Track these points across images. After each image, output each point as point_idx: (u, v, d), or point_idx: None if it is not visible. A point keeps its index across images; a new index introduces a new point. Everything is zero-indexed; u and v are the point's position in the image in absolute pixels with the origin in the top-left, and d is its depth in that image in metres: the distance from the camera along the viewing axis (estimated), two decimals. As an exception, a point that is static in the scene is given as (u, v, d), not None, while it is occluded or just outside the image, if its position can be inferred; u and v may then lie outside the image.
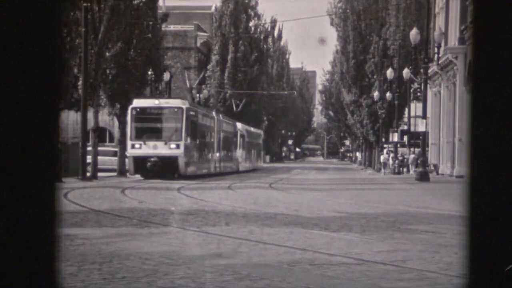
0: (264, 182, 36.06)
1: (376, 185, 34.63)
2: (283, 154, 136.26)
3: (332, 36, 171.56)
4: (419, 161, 41.98)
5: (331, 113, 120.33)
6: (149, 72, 42.60)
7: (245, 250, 9.45)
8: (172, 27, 69.27)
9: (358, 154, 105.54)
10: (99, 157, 38.28)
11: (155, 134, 37.92)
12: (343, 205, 18.63)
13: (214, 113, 49.40)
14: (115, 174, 40.86)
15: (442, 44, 42.95)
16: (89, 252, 9.07)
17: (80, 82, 35.38)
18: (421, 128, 40.33)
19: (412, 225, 13.21)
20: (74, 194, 21.64)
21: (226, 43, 76.28)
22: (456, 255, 8.75)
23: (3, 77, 2.60)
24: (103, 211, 15.59)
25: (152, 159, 37.01)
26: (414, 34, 42.25)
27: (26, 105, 2.61)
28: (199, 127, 41.10)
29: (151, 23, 41.41)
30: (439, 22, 49.26)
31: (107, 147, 50.69)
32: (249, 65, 76.80)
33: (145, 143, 37.45)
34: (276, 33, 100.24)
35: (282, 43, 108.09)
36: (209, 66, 76.97)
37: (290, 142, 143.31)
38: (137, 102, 38.39)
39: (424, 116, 39.82)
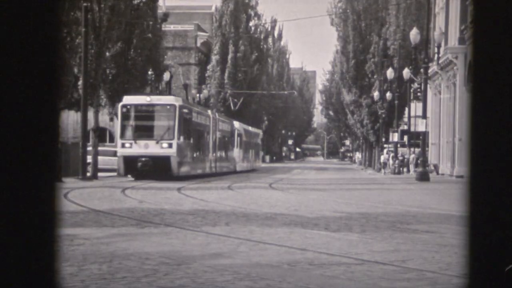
0: (264, 182, 36.05)
1: (376, 185, 34.63)
2: (283, 154, 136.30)
3: (332, 36, 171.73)
4: (419, 161, 41.98)
5: (331, 113, 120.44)
6: (149, 72, 42.60)
7: (245, 250, 9.45)
8: (172, 27, 69.34)
9: (358, 154, 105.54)
10: (99, 157, 38.28)
11: (146, 132, 36.16)
12: (343, 205, 18.63)
13: (209, 111, 47.79)
14: (115, 174, 40.85)
15: (442, 44, 42.96)
16: (89, 252, 9.07)
17: (80, 82, 35.41)
18: (421, 128, 40.34)
19: (412, 225, 13.22)
20: (74, 194, 21.66)
21: (226, 43, 76.33)
22: (456, 255, 8.76)
23: (3, 77, 2.60)
24: (103, 211, 15.60)
25: (143, 159, 35.45)
26: (414, 34, 42.26)
27: (26, 105, 2.61)
28: (193, 125, 39.61)
29: (151, 23, 41.43)
30: (439, 22, 49.28)
31: (107, 147, 50.70)
32: (249, 65, 76.84)
33: (135, 142, 35.80)
34: (276, 33, 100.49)
35: (282, 43, 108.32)
36: (209, 66, 77.04)
37: (290, 142, 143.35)
38: (127, 99, 36.68)
39: (424, 116, 39.82)
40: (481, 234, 2.75)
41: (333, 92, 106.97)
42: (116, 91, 39.38)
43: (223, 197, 22.06)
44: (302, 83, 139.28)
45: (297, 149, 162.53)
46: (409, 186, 32.79)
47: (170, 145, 35.77)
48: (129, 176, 36.61)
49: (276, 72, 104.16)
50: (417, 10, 60.31)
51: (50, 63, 2.64)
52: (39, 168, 2.63)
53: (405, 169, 52.66)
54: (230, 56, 75.90)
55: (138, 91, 40.82)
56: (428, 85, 45.51)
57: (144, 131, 36.15)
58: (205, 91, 68.89)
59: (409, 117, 53.55)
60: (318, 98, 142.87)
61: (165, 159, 35.49)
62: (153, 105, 36.31)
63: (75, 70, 35.68)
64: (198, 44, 78.89)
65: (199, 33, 79.81)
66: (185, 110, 37.56)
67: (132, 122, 36.22)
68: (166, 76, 48.75)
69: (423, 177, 37.16)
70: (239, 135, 56.60)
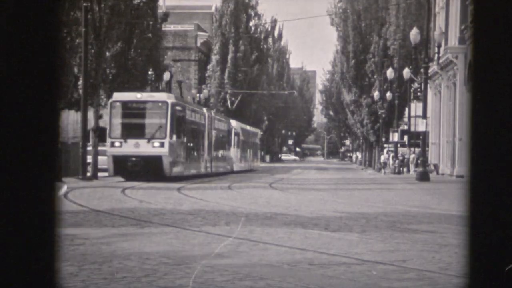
0: (264, 182, 36.04)
1: (376, 185, 34.62)
2: (280, 156, 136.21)
3: (332, 36, 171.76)
4: (419, 161, 41.98)
5: (331, 113, 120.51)
6: (149, 72, 42.58)
7: (245, 250, 9.45)
8: (172, 27, 69.33)
9: (358, 154, 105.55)
10: (99, 157, 38.21)
11: (137, 131, 34.29)
12: (343, 205, 18.63)
13: (204, 109, 45.72)
14: (115, 174, 40.78)
15: (442, 44, 42.95)
16: (89, 252, 9.07)
17: (80, 82, 35.38)
18: (421, 128, 40.33)
19: (412, 225, 13.21)
20: (74, 194, 21.65)
21: (226, 43, 76.35)
22: (456, 255, 8.76)
23: (3, 77, 2.60)
24: (104, 211, 15.60)
25: (133, 158, 33.68)
26: (414, 34, 42.24)
27: (26, 105, 2.61)
28: (186, 123, 37.58)
29: (151, 22, 41.41)
30: (439, 22, 49.26)
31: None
32: (249, 65, 76.86)
33: (125, 141, 33.97)
34: (276, 33, 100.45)
35: (282, 43, 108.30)
36: (209, 66, 77.06)
37: (290, 142, 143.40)
38: (118, 96, 35.07)
39: (424, 116, 39.82)
40: (481, 234, 2.75)
41: (333, 92, 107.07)
42: (116, 91, 39.33)
43: (223, 197, 22.06)
44: (302, 83, 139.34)
45: (297, 149, 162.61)
46: (409, 186, 32.78)
47: (162, 144, 34.07)
48: (119, 176, 34.88)
49: (276, 72, 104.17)
50: (417, 10, 60.33)
51: (50, 63, 2.64)
52: (39, 168, 2.63)
53: (405, 169, 52.66)
54: (230, 56, 75.92)
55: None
56: (428, 85, 45.49)
57: (134, 129, 34.44)
58: (205, 91, 68.89)
59: (409, 117, 53.55)
60: (318, 98, 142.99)
61: (157, 159, 33.90)
62: (144, 102, 34.70)
63: (75, 70, 35.66)
64: (198, 44, 78.92)
65: (199, 33, 79.83)
66: (178, 108, 35.79)
67: (122, 119, 34.67)
68: (166, 76, 48.73)
69: (423, 177, 37.14)
70: (237, 134, 54.93)
